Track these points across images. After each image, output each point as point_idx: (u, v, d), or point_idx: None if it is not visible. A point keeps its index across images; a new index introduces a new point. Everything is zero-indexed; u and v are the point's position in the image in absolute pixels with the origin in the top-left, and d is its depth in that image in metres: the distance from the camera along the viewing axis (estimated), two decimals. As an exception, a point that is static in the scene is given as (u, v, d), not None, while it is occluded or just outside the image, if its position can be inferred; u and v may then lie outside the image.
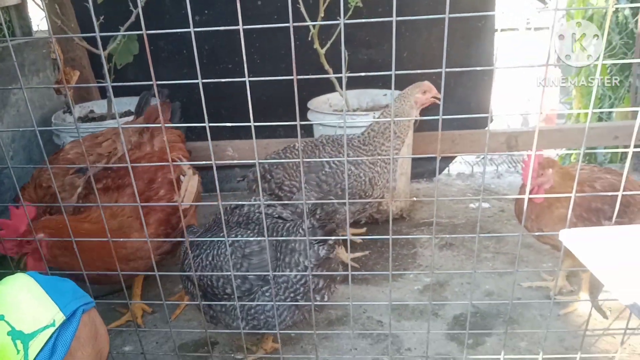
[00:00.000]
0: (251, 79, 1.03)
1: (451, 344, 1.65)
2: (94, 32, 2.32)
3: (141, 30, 1.04)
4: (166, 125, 1.62)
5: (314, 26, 2.13)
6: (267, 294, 1.41)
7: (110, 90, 1.09)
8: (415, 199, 2.69)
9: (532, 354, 1.57)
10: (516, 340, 1.64)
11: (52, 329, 0.82)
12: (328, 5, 2.15)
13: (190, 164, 1.87)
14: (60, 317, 0.84)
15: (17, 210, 1.35)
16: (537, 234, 1.66)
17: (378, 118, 1.99)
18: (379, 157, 1.93)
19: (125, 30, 2.16)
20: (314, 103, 2.47)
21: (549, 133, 2.71)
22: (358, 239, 2.11)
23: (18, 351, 0.80)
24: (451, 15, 0.96)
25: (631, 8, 2.71)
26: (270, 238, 1.39)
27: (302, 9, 2.07)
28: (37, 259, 1.40)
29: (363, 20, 1.07)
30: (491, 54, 2.70)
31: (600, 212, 1.58)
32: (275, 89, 2.39)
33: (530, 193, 1.62)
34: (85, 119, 2.42)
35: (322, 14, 2.09)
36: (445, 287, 1.95)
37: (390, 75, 1.02)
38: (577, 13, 2.95)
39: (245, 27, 0.99)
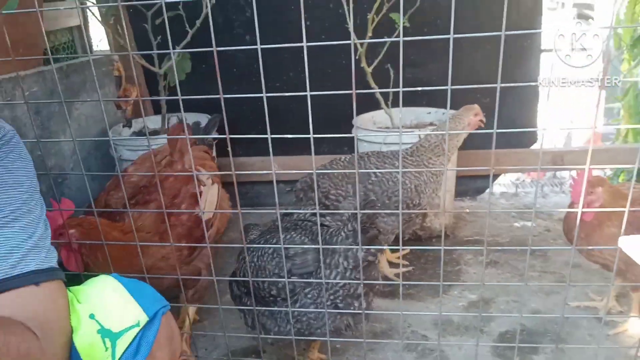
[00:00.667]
0: (312, 93, 1.09)
1: (497, 360, 1.65)
2: (152, 50, 2.43)
3: (194, 48, 1.12)
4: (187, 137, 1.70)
5: (361, 45, 2.19)
6: (308, 295, 1.46)
7: (181, 105, 1.16)
8: (467, 210, 2.70)
9: (581, 374, 1.55)
10: (565, 359, 1.62)
11: (136, 329, 0.87)
12: (375, 26, 2.21)
13: (211, 174, 1.90)
14: (144, 318, 0.89)
15: (61, 204, 1.45)
16: (588, 248, 1.65)
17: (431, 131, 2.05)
18: (429, 169, 1.97)
19: (183, 47, 2.28)
20: (359, 121, 2.52)
21: (596, 153, 2.68)
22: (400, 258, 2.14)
23: (106, 349, 0.85)
24: (507, 33, 1.00)
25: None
26: (317, 246, 1.44)
27: (351, 29, 2.13)
28: (69, 253, 1.49)
29: (416, 38, 1.11)
30: (537, 74, 2.71)
31: (653, 230, 1.56)
32: (319, 107, 2.46)
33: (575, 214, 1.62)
34: (139, 133, 2.54)
35: (370, 34, 2.15)
36: (490, 304, 1.94)
37: (434, 93, 1.07)
38: (625, 32, 2.93)
39: (308, 44, 1.06)
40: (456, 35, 1.01)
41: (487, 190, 2.89)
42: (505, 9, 0.98)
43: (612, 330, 1.75)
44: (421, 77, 2.72)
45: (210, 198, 1.84)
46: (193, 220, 1.69)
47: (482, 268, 2.19)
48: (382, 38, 2.06)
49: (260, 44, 1.10)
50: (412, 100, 2.64)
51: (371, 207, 1.91)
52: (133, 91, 2.06)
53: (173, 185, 1.76)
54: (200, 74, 2.54)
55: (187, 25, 2.25)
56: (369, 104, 2.49)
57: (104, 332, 0.86)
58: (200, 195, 1.77)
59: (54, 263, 0.86)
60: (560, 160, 2.75)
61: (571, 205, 1.73)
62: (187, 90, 2.82)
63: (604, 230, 1.61)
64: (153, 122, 2.66)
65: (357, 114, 2.61)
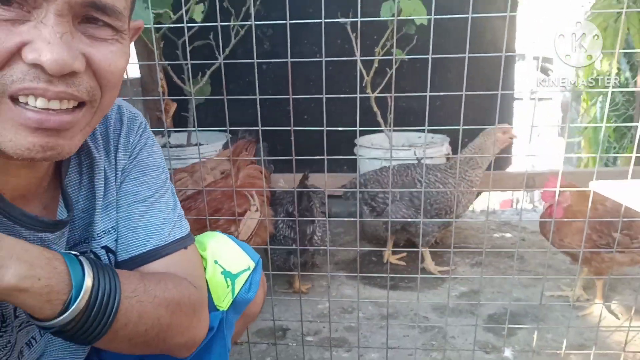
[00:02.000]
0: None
1: (488, 334, 1.96)
2: (182, 74, 2.77)
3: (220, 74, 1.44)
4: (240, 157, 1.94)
5: (367, 74, 2.57)
6: None
7: (226, 123, 1.48)
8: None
9: (557, 342, 1.88)
10: (543, 333, 1.95)
11: (248, 272, 1.05)
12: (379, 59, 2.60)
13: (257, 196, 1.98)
14: (252, 264, 1.07)
15: None
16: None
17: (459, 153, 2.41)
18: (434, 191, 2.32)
19: (210, 74, 2.61)
20: (360, 141, 2.88)
21: (563, 175, 3.09)
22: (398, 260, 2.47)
23: (228, 286, 1.02)
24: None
25: (631, 71, 3.16)
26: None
27: (360, 64, 2.52)
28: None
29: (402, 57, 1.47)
30: (511, 116, 3.15)
31: (611, 224, 1.93)
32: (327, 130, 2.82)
33: (551, 210, 1.99)
34: (164, 146, 2.83)
35: (376, 64, 2.54)
36: (478, 294, 2.27)
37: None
38: (585, 72, 3.42)
39: (333, 57, 1.40)
40: (435, 56, 1.37)
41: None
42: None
43: (581, 313, 2.10)
44: (413, 106, 3.12)
45: (249, 223, 1.94)
46: None
47: (469, 268, 2.53)
48: (384, 70, 2.43)
49: (277, 72, 1.43)
50: (404, 124, 3.02)
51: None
52: (172, 106, 2.36)
53: (219, 199, 1.88)
54: (219, 99, 2.86)
55: (216, 52, 2.59)
56: (368, 125, 2.86)
57: (226, 274, 1.02)
58: (244, 214, 1.85)
59: (189, 227, 0.98)
60: (532, 181, 3.16)
61: (545, 206, 2.10)
62: (206, 111, 3.16)
63: (572, 224, 1.98)
64: (175, 137, 2.96)
65: (360, 136, 3.00)
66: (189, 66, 1.58)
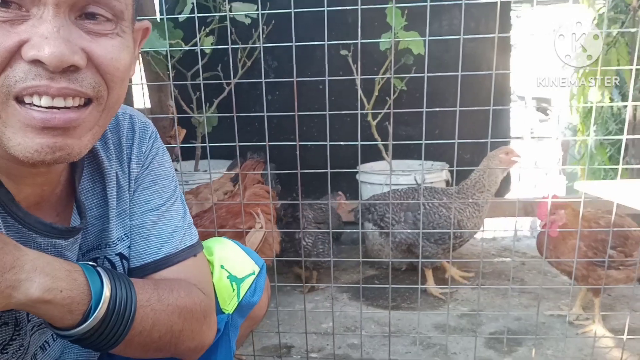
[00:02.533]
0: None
1: (489, 351, 2.00)
2: (191, 103, 2.88)
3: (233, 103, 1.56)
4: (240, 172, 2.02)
5: (368, 103, 2.69)
6: None
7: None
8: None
9: (557, 359, 1.91)
10: (543, 349, 1.99)
11: (253, 277, 1.08)
12: (380, 89, 2.73)
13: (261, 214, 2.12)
14: (257, 269, 1.10)
15: None
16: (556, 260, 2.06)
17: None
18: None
19: (217, 104, 2.73)
20: (362, 168, 2.98)
21: (560, 200, 3.17)
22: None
23: (233, 290, 1.05)
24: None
25: (623, 101, 3.28)
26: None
27: (360, 91, 2.64)
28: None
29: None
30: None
31: (605, 242, 1.99)
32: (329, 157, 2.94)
33: (546, 227, 2.06)
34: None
35: (376, 93, 2.66)
36: (480, 313, 2.31)
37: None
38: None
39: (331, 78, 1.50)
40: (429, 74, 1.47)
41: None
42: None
43: (580, 330, 2.13)
44: (413, 134, 3.22)
45: (253, 239, 2.01)
46: None
47: (469, 290, 2.58)
48: (384, 99, 2.55)
49: (282, 103, 1.54)
50: (405, 153, 3.13)
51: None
52: (181, 132, 2.46)
53: (223, 217, 1.96)
54: (225, 127, 2.98)
55: (225, 84, 2.72)
56: (372, 155, 2.96)
57: (232, 278, 1.05)
58: (247, 233, 1.89)
59: (198, 235, 1.00)
60: (530, 208, 3.22)
61: (540, 225, 2.16)
62: (212, 140, 3.26)
63: (568, 242, 2.04)
64: (186, 167, 3.05)
65: (361, 163, 3.09)
66: (202, 92, 1.67)
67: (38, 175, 0.75)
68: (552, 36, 1.37)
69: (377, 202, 2.55)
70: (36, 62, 0.61)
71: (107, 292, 0.72)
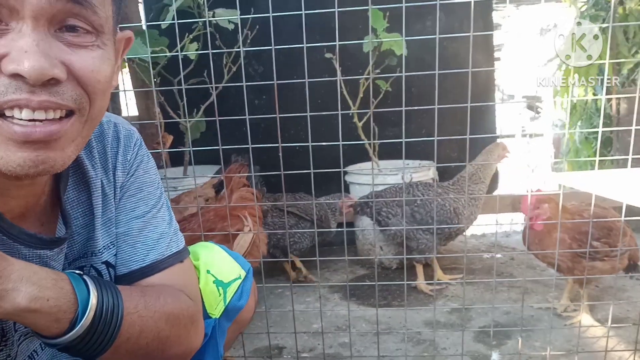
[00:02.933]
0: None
1: (478, 345, 2.02)
2: (178, 109, 2.89)
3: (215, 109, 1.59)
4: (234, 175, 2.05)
5: (354, 105, 2.71)
6: None
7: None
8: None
9: (545, 350, 1.93)
10: (532, 341, 2.01)
11: (239, 281, 1.10)
12: (364, 90, 2.75)
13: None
14: (243, 273, 1.11)
15: None
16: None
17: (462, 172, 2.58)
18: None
19: (203, 109, 2.75)
20: (350, 169, 3.00)
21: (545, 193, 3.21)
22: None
23: (220, 294, 1.07)
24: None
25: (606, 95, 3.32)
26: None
27: (345, 93, 2.67)
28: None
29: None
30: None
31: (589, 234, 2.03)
32: (315, 159, 2.96)
33: (530, 222, 2.10)
34: (162, 179, 2.94)
35: (361, 94, 2.68)
36: (469, 309, 2.33)
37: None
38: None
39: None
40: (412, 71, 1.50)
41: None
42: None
43: (568, 322, 2.16)
44: (400, 135, 3.24)
45: (242, 242, 2.02)
46: None
47: (459, 286, 2.60)
48: (369, 101, 2.58)
49: (269, 108, 1.57)
50: (392, 153, 3.15)
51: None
52: (169, 139, 2.48)
53: (212, 220, 1.98)
54: (213, 133, 3.00)
55: (211, 89, 2.74)
56: (359, 156, 2.99)
57: (218, 282, 1.07)
58: (235, 237, 1.92)
59: (184, 241, 1.00)
60: (518, 204, 3.26)
61: (525, 219, 2.19)
62: (201, 145, 3.28)
63: (552, 235, 2.07)
64: (175, 172, 3.06)
65: (348, 165, 3.12)
66: (184, 97, 1.70)
67: (22, 187, 0.75)
68: (553, 35, 1.42)
69: (378, 199, 2.59)
70: (16, 75, 0.61)
71: (93, 300, 0.73)
